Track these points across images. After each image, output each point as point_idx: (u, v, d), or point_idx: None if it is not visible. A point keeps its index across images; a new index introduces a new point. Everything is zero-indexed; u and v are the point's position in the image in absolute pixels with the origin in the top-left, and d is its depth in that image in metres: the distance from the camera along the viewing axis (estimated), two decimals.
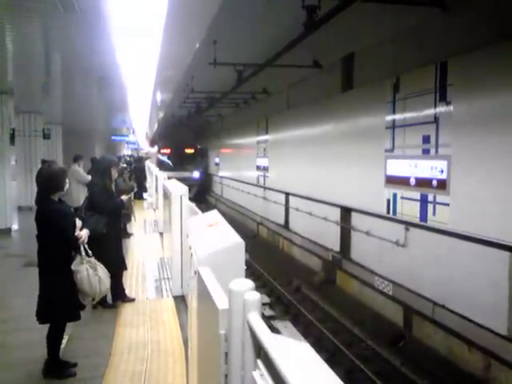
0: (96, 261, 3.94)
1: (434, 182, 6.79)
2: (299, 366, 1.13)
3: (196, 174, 25.54)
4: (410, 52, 7.43)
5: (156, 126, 27.86)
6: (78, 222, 3.94)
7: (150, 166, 19.46)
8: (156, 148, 28.28)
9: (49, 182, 3.76)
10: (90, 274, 3.79)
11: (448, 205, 6.53)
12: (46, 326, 3.77)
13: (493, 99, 5.86)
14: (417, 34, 7.21)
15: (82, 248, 3.82)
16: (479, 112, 6.05)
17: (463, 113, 6.30)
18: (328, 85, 10.47)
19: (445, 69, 6.56)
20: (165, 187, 8.31)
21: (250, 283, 1.58)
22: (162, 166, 23.05)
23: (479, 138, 5.99)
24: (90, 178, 8.96)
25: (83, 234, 3.87)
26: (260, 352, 1.36)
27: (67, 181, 3.91)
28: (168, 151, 26.44)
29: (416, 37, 7.25)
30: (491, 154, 5.82)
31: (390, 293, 7.93)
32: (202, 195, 24.85)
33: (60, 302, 3.71)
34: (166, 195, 7.74)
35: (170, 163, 25.66)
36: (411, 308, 7.36)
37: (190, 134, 27.81)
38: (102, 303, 5.28)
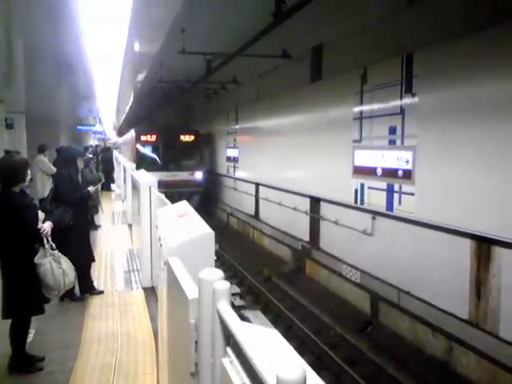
0: (60, 253, 3.86)
1: (400, 172, 6.95)
2: (268, 352, 1.15)
3: (199, 175, 16.82)
4: (377, 43, 7.53)
5: (131, 99, 19.53)
6: (41, 214, 3.86)
7: (118, 157, 18.51)
8: (132, 134, 17.91)
9: (10, 173, 3.65)
10: (54, 266, 3.72)
11: (413, 194, 6.71)
12: (9, 320, 3.67)
13: (458, 91, 6.01)
14: (384, 25, 7.31)
15: (45, 241, 3.74)
16: (444, 104, 6.20)
17: (428, 104, 6.44)
18: (297, 75, 10.51)
19: (411, 61, 6.69)
20: (133, 178, 8.18)
21: (220, 273, 1.60)
22: (142, 162, 14.86)
23: (443, 129, 6.15)
24: (55, 169, 8.74)
25: (46, 226, 3.79)
26: (230, 340, 1.39)
27: (29, 172, 3.81)
28: (153, 138, 16.74)
29: (383, 29, 7.35)
30: (455, 145, 5.99)
31: (358, 280, 8.11)
32: (205, 207, 16.62)
33: (23, 297, 3.63)
34: (135, 186, 7.63)
35: (158, 159, 16.52)
36: (378, 295, 7.55)
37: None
38: (70, 296, 5.20)
